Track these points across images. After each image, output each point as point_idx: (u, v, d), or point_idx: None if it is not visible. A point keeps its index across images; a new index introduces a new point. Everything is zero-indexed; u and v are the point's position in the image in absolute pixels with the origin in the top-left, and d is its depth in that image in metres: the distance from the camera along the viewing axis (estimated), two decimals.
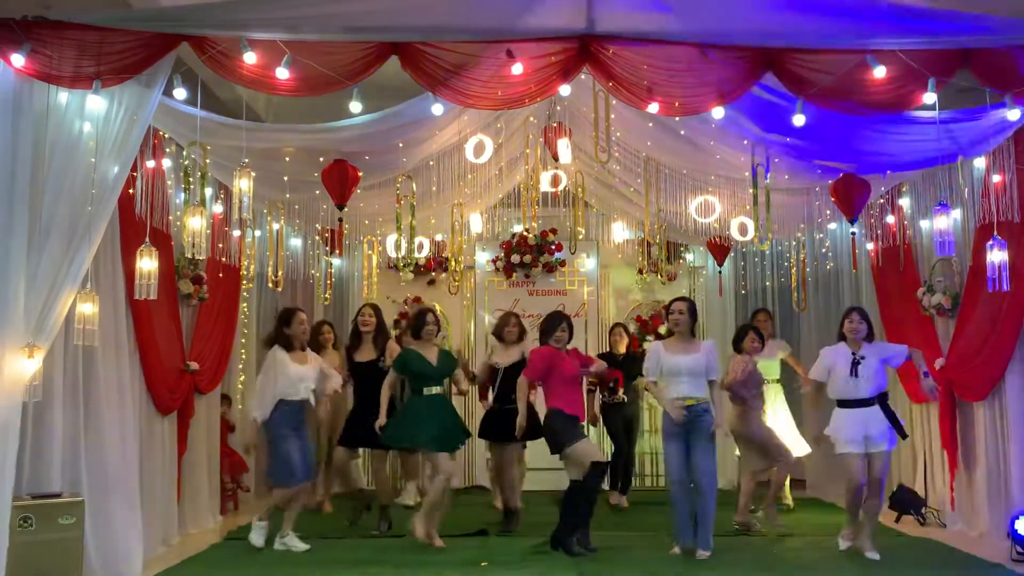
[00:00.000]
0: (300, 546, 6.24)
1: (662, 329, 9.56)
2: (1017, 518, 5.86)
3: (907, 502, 7.37)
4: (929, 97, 5.27)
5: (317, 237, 9.12)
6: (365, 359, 7.06)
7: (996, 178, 6.26)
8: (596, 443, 6.31)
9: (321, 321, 8.21)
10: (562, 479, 6.22)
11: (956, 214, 6.68)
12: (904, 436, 6.11)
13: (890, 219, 7.80)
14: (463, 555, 6.04)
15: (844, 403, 5.98)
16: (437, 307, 9.38)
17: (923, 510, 7.32)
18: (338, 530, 7.03)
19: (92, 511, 5.17)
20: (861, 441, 5.89)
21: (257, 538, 6.26)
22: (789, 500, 8.11)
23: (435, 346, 6.59)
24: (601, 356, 8.46)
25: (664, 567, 5.72)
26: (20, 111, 4.90)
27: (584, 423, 6.23)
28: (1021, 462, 6.23)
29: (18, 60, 4.82)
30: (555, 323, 6.30)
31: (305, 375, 6.33)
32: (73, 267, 4.99)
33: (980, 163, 6.55)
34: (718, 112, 5.66)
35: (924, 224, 7.38)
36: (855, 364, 5.93)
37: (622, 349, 8.37)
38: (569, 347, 6.40)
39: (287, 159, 6.88)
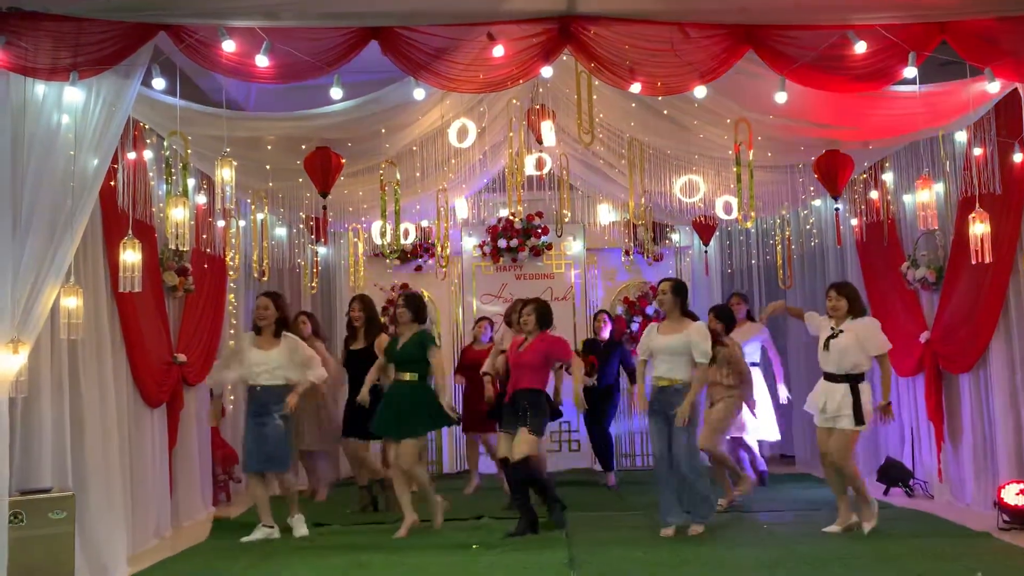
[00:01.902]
0: (299, 530, 6.29)
1: (649, 310, 9.61)
2: (1003, 488, 5.94)
3: (895, 475, 7.45)
4: (910, 71, 5.29)
5: (302, 226, 9.09)
6: (357, 347, 7.22)
7: (977, 151, 6.29)
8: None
9: (299, 312, 8.23)
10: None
11: (939, 188, 6.72)
12: (858, 423, 5.82)
13: (873, 194, 7.84)
14: (454, 538, 6.08)
15: (823, 372, 6.04)
16: (425, 293, 9.37)
17: (911, 482, 7.40)
18: (332, 517, 7.03)
19: (79, 505, 5.15)
20: (819, 414, 5.95)
21: (300, 528, 6.32)
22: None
23: (410, 332, 6.44)
24: (585, 342, 8.53)
25: (655, 544, 5.76)
26: None
27: (514, 405, 6.16)
28: (1006, 432, 6.30)
29: None
30: (514, 310, 6.54)
31: (262, 360, 6.21)
32: (56, 261, 4.93)
33: (961, 136, 6.59)
34: (700, 91, 5.66)
35: (907, 198, 7.42)
36: (830, 338, 5.94)
37: (605, 336, 8.40)
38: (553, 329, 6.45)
39: (269, 147, 6.84)
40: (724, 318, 7.15)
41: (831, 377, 5.94)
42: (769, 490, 7.84)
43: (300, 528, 6.35)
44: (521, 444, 6.02)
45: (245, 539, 6.20)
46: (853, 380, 5.87)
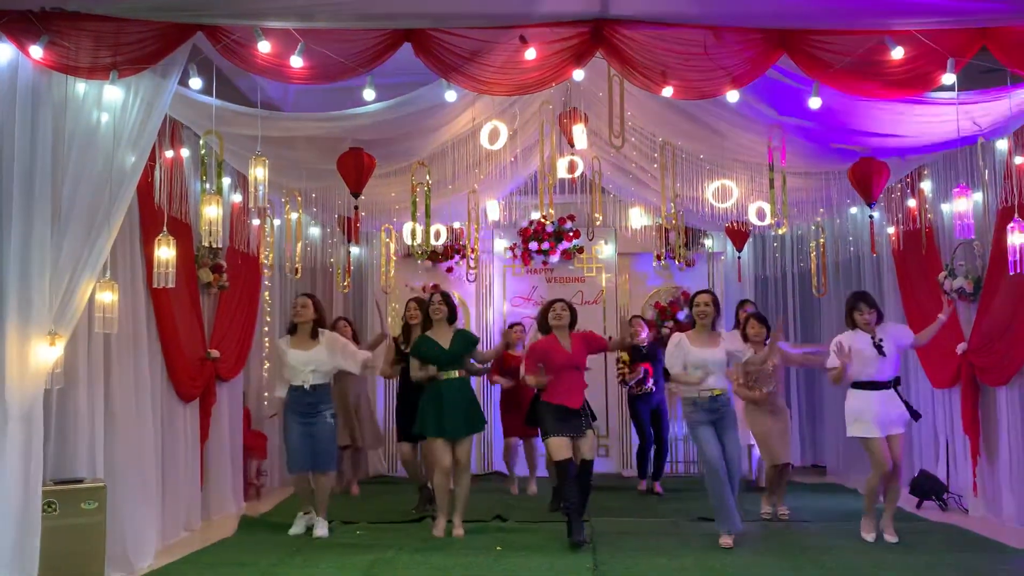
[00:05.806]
0: (318, 531, 6.33)
1: (680, 315, 9.54)
2: None
3: (928, 488, 7.31)
4: (948, 78, 5.19)
5: (336, 226, 9.17)
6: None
7: (1018, 160, 6.16)
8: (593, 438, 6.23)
9: (338, 317, 8.34)
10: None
11: (977, 197, 6.60)
12: (918, 416, 6.09)
13: (911, 202, 7.71)
14: (479, 540, 6.10)
15: (866, 385, 5.96)
16: (455, 295, 9.40)
17: (944, 496, 7.26)
18: (363, 514, 7.08)
19: (109, 496, 5.22)
20: (884, 425, 5.89)
21: (295, 528, 6.44)
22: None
23: (449, 330, 6.39)
24: (632, 349, 8.46)
25: (680, 551, 5.72)
26: (39, 102, 4.95)
27: (579, 408, 6.09)
28: None
29: (36, 52, 4.87)
30: (545, 311, 6.34)
31: (308, 360, 6.26)
32: (93, 256, 5.03)
33: (1002, 145, 6.46)
34: (733, 95, 5.60)
35: (945, 207, 7.29)
36: (879, 346, 5.93)
37: (644, 340, 8.33)
38: (579, 330, 6.44)
39: (303, 148, 6.90)
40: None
41: (883, 385, 5.95)
42: (798, 500, 7.74)
43: (321, 529, 6.34)
44: (591, 446, 6.18)
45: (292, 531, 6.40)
46: (897, 382, 6.02)
